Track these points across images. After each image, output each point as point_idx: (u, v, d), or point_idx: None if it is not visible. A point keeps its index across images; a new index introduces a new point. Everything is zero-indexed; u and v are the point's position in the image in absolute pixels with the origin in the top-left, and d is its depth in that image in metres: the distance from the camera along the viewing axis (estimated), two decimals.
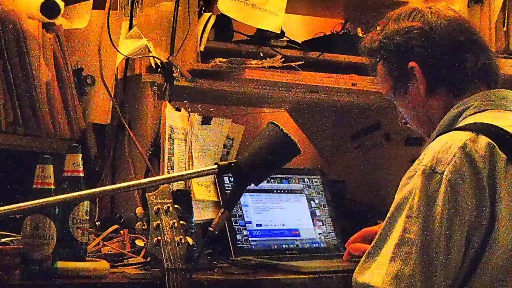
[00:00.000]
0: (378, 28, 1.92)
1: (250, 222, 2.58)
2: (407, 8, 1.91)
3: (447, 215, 1.63)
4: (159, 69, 2.51)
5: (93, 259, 2.11)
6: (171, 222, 1.76)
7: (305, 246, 2.65)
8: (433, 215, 1.63)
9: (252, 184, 1.82)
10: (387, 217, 1.69)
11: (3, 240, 2.12)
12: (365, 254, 1.70)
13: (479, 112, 1.79)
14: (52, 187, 1.97)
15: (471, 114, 1.79)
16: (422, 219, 1.63)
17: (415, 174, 1.67)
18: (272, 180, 2.70)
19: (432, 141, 1.76)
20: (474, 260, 1.65)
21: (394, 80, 1.90)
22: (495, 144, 1.67)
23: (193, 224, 2.30)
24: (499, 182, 1.65)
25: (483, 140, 1.67)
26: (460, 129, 1.74)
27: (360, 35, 2.93)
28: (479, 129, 1.70)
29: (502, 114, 1.79)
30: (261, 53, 2.63)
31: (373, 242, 1.70)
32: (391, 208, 1.69)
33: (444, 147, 1.68)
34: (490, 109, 1.79)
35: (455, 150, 1.66)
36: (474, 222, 1.64)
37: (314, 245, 2.67)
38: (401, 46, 1.86)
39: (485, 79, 1.85)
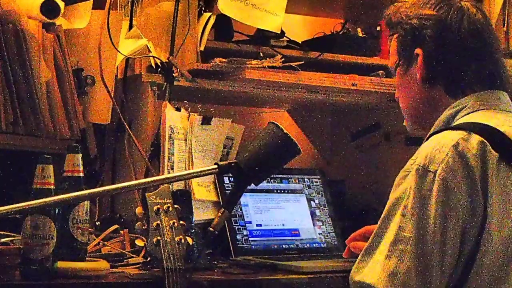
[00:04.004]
0: (408, 3, 1.93)
1: (250, 222, 2.58)
2: None
3: (441, 212, 1.64)
4: (159, 69, 2.51)
5: (93, 259, 2.11)
6: (171, 222, 1.76)
7: (305, 246, 2.65)
8: (428, 213, 1.64)
9: (252, 184, 1.82)
10: (382, 216, 1.71)
11: (3, 240, 2.12)
12: (361, 253, 1.72)
13: (473, 112, 1.80)
14: (52, 187, 1.97)
15: (465, 114, 1.80)
16: (416, 217, 1.65)
17: (409, 173, 1.69)
18: (272, 180, 2.70)
19: (426, 140, 1.77)
20: (469, 257, 1.66)
21: (399, 57, 1.92)
22: (487, 143, 1.69)
23: (193, 224, 2.30)
24: (491, 180, 1.67)
25: (475, 139, 1.69)
26: (452, 128, 1.75)
27: (360, 35, 2.94)
28: (471, 128, 1.72)
29: (495, 114, 1.80)
30: (261, 53, 2.63)
31: (368, 241, 1.72)
32: (386, 207, 1.71)
33: (436, 146, 1.69)
34: (483, 109, 1.81)
35: (448, 149, 1.67)
36: (468, 219, 1.65)
37: (314, 245, 2.67)
38: (416, 30, 1.87)
39: (488, 85, 1.85)
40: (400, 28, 1.91)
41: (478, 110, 1.80)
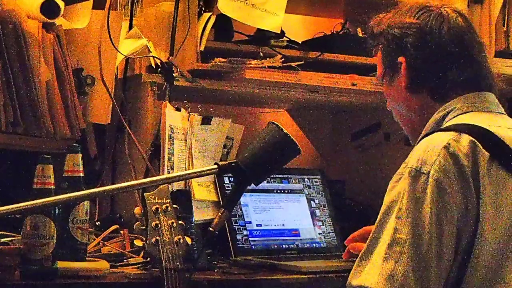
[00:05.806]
0: (390, 13, 1.94)
1: (250, 222, 2.58)
2: (418, 4, 1.93)
3: (436, 213, 1.65)
4: (159, 69, 2.51)
5: (93, 259, 2.11)
6: (169, 222, 1.76)
7: (305, 246, 2.65)
8: (422, 214, 1.65)
9: (252, 184, 1.82)
10: (377, 220, 1.72)
11: (3, 240, 2.12)
12: (358, 257, 1.72)
13: (462, 114, 1.82)
14: (52, 187, 1.97)
15: (454, 117, 1.82)
16: (411, 219, 1.65)
17: (402, 177, 1.70)
18: (272, 180, 2.70)
19: (417, 144, 1.78)
20: (464, 256, 1.66)
21: (384, 67, 1.94)
22: (478, 143, 1.70)
23: (193, 224, 2.30)
24: (483, 179, 1.68)
25: (466, 139, 1.70)
26: (442, 130, 1.77)
27: (360, 35, 2.94)
28: (461, 128, 1.73)
29: (484, 115, 1.81)
30: (261, 53, 2.62)
31: (365, 245, 1.72)
32: (381, 211, 1.72)
33: (428, 148, 1.71)
34: (472, 111, 1.82)
35: (439, 150, 1.69)
36: (462, 218, 1.66)
37: (314, 245, 2.67)
38: (397, 39, 1.89)
39: (471, 89, 1.86)
40: (383, 38, 1.93)
41: (467, 112, 1.82)
